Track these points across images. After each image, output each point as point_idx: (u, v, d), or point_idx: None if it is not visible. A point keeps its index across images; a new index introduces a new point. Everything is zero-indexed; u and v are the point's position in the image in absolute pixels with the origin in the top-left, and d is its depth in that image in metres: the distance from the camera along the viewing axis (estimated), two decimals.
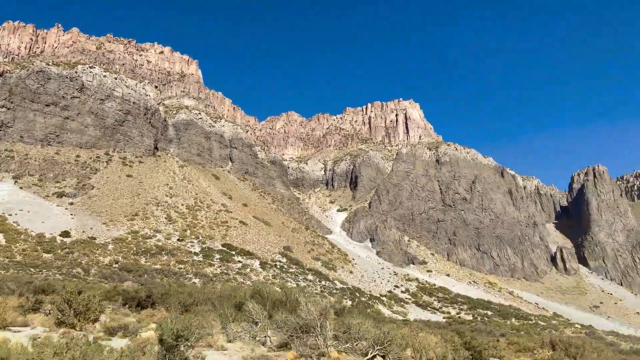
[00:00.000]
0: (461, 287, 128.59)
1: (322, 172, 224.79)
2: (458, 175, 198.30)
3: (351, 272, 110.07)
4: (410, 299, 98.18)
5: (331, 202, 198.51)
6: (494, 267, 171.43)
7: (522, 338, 35.00)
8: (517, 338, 33.13)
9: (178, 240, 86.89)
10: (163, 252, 78.02)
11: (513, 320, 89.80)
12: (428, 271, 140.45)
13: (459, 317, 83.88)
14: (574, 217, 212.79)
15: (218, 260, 78.72)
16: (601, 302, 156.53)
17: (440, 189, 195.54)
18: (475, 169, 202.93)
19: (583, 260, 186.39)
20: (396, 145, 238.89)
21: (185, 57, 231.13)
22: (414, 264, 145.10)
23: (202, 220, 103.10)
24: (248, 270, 77.49)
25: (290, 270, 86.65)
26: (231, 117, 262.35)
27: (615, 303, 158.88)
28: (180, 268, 70.91)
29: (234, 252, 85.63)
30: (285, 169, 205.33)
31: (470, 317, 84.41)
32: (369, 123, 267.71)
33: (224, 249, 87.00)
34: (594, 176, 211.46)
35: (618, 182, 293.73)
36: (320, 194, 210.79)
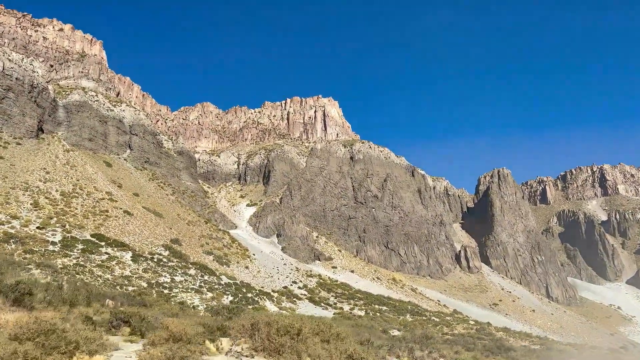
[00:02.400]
0: (364, 284, 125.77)
1: (235, 166, 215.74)
2: (371, 173, 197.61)
3: (247, 267, 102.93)
4: (305, 295, 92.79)
5: (241, 197, 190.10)
6: (401, 265, 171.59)
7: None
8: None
9: (37, 228, 75.09)
10: (11, 240, 66.44)
11: (407, 316, 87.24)
12: (333, 267, 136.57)
13: (351, 312, 79.66)
14: (479, 218, 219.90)
15: (79, 252, 68.35)
16: (500, 300, 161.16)
17: (353, 186, 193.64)
18: (387, 167, 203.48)
19: (486, 259, 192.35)
20: (314, 142, 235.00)
21: (88, 36, 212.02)
22: (319, 260, 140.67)
23: (76, 209, 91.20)
24: (114, 263, 67.88)
25: (170, 264, 77.89)
26: (140, 104, 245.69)
27: (513, 301, 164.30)
28: (25, 258, 60.01)
29: (103, 243, 75.39)
30: (195, 161, 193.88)
31: (362, 313, 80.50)
32: (288, 118, 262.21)
33: (93, 239, 76.45)
34: (499, 179, 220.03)
35: (522, 187, 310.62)
36: (232, 188, 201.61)
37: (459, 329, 77.59)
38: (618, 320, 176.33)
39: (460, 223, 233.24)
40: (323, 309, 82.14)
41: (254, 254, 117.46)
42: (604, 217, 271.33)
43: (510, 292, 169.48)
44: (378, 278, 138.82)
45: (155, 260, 77.43)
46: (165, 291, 63.89)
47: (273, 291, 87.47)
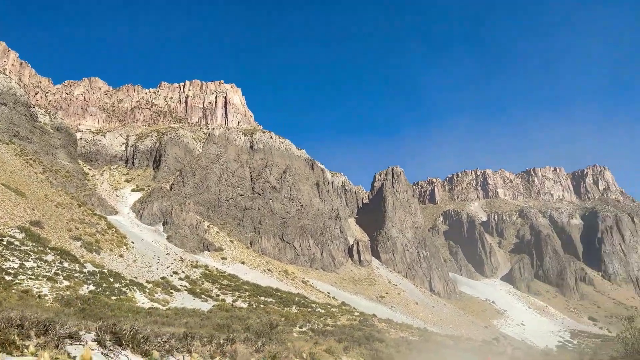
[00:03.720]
0: (254, 275, 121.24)
1: (123, 148, 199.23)
2: (270, 164, 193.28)
3: (122, 256, 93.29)
4: (186, 286, 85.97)
5: (127, 181, 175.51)
6: (295, 257, 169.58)
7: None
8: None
9: None
10: None
11: (293, 307, 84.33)
12: (223, 258, 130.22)
13: (233, 304, 74.72)
14: (372, 214, 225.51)
15: None
16: (387, 293, 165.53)
17: (251, 176, 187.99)
18: (288, 159, 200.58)
19: (376, 253, 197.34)
20: (212, 128, 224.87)
21: None
22: (209, 250, 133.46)
23: None
24: None
25: (22, 248, 67.09)
26: (16, 73, 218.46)
27: (399, 294, 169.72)
28: None
29: None
30: (75, 139, 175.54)
31: (245, 305, 75.96)
32: (186, 102, 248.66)
33: None
34: (393, 176, 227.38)
35: (414, 186, 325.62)
36: (117, 171, 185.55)
37: (343, 320, 76.21)
38: (492, 313, 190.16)
39: (355, 218, 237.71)
40: (202, 301, 76.22)
41: (132, 242, 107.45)
42: (484, 218, 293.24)
43: (396, 285, 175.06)
44: (269, 270, 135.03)
45: (5, 243, 66.24)
46: (8, 278, 54.18)
47: (147, 282, 79.58)
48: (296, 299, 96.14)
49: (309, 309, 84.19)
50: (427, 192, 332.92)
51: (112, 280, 69.87)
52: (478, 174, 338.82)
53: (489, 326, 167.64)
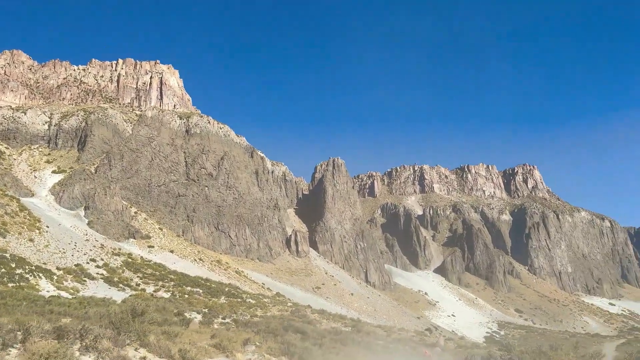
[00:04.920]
0: (183, 265, 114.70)
1: (46, 127, 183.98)
2: (207, 150, 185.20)
3: (32, 240, 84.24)
4: (103, 274, 78.71)
5: (48, 162, 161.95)
6: (230, 247, 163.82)
7: None
8: None
9: None
10: None
11: (222, 298, 79.50)
12: (150, 247, 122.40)
13: (153, 294, 68.86)
14: (312, 204, 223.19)
15: None
16: (323, 284, 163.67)
17: (186, 161, 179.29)
18: (226, 145, 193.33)
19: (314, 244, 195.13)
20: (145, 110, 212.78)
21: None
22: (135, 238, 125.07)
23: None
24: None
25: None
26: None
27: (335, 285, 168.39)
28: None
29: None
30: None
31: (168, 295, 70.30)
32: (118, 81, 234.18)
33: None
34: (333, 167, 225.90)
35: (355, 179, 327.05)
36: (37, 151, 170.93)
37: (274, 311, 72.40)
38: (424, 304, 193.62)
39: (294, 208, 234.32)
40: (119, 290, 69.68)
41: (47, 226, 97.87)
42: (420, 212, 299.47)
43: (333, 276, 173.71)
44: (201, 259, 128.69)
45: None
46: None
47: (58, 268, 71.79)
48: (226, 290, 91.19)
49: (239, 300, 79.71)
50: (367, 186, 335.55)
51: (13, 265, 61.97)
52: (416, 169, 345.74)
53: (421, 317, 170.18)
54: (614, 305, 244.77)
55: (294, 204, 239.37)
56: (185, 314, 47.79)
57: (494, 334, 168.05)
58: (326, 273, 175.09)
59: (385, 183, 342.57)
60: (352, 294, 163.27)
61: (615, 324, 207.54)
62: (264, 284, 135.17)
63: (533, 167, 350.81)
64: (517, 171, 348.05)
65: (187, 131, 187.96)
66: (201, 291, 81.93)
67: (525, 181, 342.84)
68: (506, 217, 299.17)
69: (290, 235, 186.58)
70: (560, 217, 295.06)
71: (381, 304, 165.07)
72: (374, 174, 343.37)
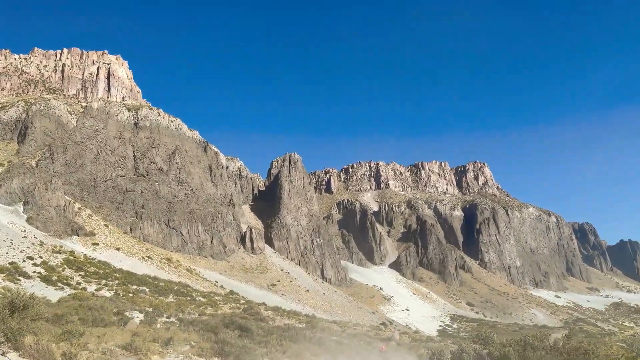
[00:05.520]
0: (130, 263, 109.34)
1: None
2: (157, 143, 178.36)
3: None
4: (40, 273, 73.22)
5: None
6: (181, 244, 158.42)
7: None
8: None
9: None
10: None
11: (170, 297, 75.75)
12: (94, 244, 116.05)
13: (94, 293, 64.41)
14: (268, 201, 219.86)
15: None
16: (278, 281, 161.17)
17: (135, 155, 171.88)
18: (178, 139, 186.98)
19: (270, 241, 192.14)
20: (91, 102, 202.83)
21: None
22: (78, 235, 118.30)
23: None
24: None
25: None
26: None
27: (291, 281, 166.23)
28: None
29: None
30: None
31: (110, 294, 66.02)
32: (63, 71, 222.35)
33: None
34: (290, 163, 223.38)
35: (311, 176, 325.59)
36: None
37: (225, 309, 69.57)
38: (379, 299, 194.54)
39: (250, 205, 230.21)
40: (57, 289, 64.80)
41: None
42: (376, 208, 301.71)
43: (288, 272, 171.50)
44: (149, 257, 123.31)
45: None
46: None
47: None
48: (175, 288, 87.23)
49: (188, 299, 76.18)
50: (324, 182, 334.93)
51: None
52: (372, 165, 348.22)
53: (377, 312, 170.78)
54: (560, 297, 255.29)
55: (250, 200, 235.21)
56: (126, 313, 44.37)
57: (446, 327, 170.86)
58: (282, 270, 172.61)
59: (342, 180, 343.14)
60: (308, 291, 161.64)
61: (561, 316, 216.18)
62: (217, 282, 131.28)
63: (484, 164, 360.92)
64: (469, 168, 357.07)
65: (135, 124, 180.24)
66: (148, 290, 77.78)
67: (476, 178, 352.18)
68: (458, 213, 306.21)
69: (245, 232, 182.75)
70: (509, 212, 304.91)
71: (337, 299, 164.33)
72: (331, 170, 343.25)
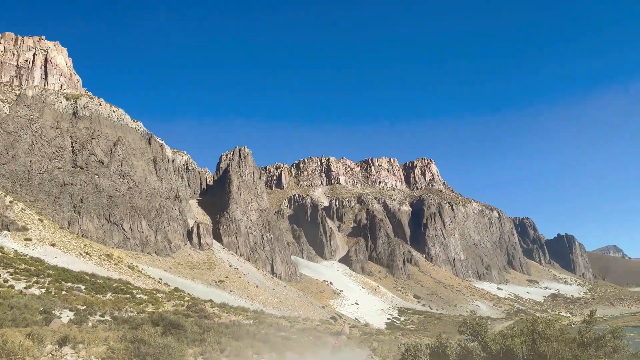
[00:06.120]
0: (67, 259, 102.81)
1: None
2: (98, 134, 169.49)
3: None
4: None
5: None
6: (123, 240, 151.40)
7: None
8: None
9: None
10: None
11: (108, 294, 71.36)
12: (27, 240, 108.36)
13: (23, 291, 59.36)
14: (217, 195, 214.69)
15: None
16: (227, 277, 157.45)
17: (73, 146, 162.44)
18: (120, 130, 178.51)
19: (218, 237, 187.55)
20: (25, 89, 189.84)
21: None
22: (9, 230, 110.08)
23: None
24: None
25: None
26: None
27: (240, 277, 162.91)
28: None
29: None
30: None
31: (40, 291, 61.12)
32: None
33: None
34: (239, 157, 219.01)
35: (262, 171, 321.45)
36: None
37: (168, 307, 66.41)
38: (329, 294, 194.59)
39: (197, 199, 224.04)
40: None
41: None
42: (327, 203, 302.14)
43: (237, 268, 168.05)
44: (87, 254, 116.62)
45: None
46: None
47: None
48: (115, 285, 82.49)
49: (128, 296, 72.11)
50: (275, 177, 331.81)
51: None
52: (323, 161, 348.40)
53: (326, 306, 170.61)
54: (502, 289, 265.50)
55: (197, 195, 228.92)
56: (54, 312, 40.71)
57: (394, 320, 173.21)
58: (230, 266, 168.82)
59: (293, 175, 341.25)
60: (257, 286, 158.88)
61: (503, 307, 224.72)
62: (161, 279, 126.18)
63: (430, 160, 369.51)
64: (416, 164, 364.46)
65: (74, 114, 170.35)
66: (84, 287, 73.00)
67: (423, 174, 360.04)
68: (406, 208, 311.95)
69: (192, 227, 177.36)
70: (454, 207, 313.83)
71: (287, 295, 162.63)
72: (282, 165, 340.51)
